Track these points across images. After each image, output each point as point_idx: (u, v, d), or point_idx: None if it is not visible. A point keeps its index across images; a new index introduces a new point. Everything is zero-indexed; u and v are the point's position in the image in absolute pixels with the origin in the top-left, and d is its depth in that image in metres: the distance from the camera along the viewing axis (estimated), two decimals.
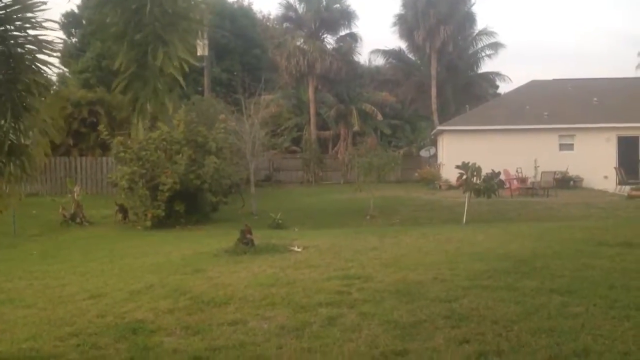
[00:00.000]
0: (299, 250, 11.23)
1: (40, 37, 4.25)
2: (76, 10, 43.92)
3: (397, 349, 5.13)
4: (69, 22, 44.12)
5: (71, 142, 30.91)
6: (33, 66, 4.33)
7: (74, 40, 44.73)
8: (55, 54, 4.51)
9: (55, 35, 4.52)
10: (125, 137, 18.70)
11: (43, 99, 4.42)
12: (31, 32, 4.22)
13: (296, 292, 7.40)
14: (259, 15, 50.97)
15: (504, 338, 5.28)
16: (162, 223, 17.85)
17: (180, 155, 18.13)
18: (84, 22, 43.42)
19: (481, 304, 6.42)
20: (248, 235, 11.42)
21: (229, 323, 6.22)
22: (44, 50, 4.25)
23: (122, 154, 18.40)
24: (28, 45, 4.27)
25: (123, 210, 18.91)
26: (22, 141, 4.49)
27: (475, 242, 11.42)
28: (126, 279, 9.20)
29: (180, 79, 4.13)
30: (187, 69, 4.26)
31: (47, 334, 6.24)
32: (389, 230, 14.84)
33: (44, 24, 4.34)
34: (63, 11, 44.95)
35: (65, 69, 45.70)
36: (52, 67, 4.56)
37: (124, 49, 4.17)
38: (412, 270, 8.51)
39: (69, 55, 44.55)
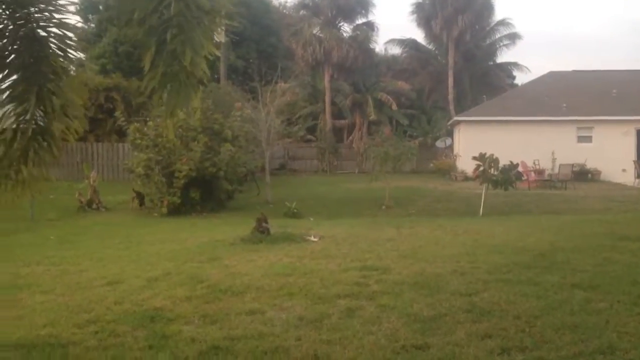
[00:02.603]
0: (315, 240, 11.18)
1: (63, 20, 4.20)
2: None
3: (418, 343, 5.06)
4: (86, 7, 44.22)
5: (88, 127, 31.02)
6: (57, 49, 4.28)
7: (91, 25, 44.84)
8: (76, 38, 4.46)
9: (75, 19, 4.48)
10: (141, 124, 18.68)
11: (66, 81, 4.37)
12: (55, 15, 4.17)
13: (314, 282, 7.35)
14: (275, 3, 50.81)
15: (527, 334, 5.19)
16: (177, 210, 17.86)
17: (196, 142, 18.09)
18: (100, 7, 43.55)
19: (502, 298, 6.33)
20: (264, 224, 11.38)
21: (247, 312, 6.18)
22: (68, 33, 4.19)
23: (139, 141, 18.40)
24: (52, 28, 4.21)
25: (140, 196, 18.97)
26: (50, 125, 4.43)
27: (494, 235, 11.31)
28: (143, 266, 9.20)
29: (207, 71, 4.06)
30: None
31: (65, 320, 6.23)
32: (405, 221, 14.73)
33: (67, 7, 4.30)
34: None
35: (83, 54, 45.92)
36: (75, 51, 4.51)
37: (152, 48, 4.08)
38: (431, 262, 8.43)
39: (86, 41, 44.73)
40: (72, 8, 4.44)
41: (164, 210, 17.78)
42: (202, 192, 18.34)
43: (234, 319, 5.98)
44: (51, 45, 4.16)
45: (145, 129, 18.61)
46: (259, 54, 41.98)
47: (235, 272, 8.32)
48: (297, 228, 13.06)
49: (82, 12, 44.63)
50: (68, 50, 4.24)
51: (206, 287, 7.38)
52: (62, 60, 4.21)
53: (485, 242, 10.35)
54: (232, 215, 17.59)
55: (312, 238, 11.27)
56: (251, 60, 39.23)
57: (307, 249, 10.13)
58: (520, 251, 9.16)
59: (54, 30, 4.16)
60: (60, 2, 4.22)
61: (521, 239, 10.57)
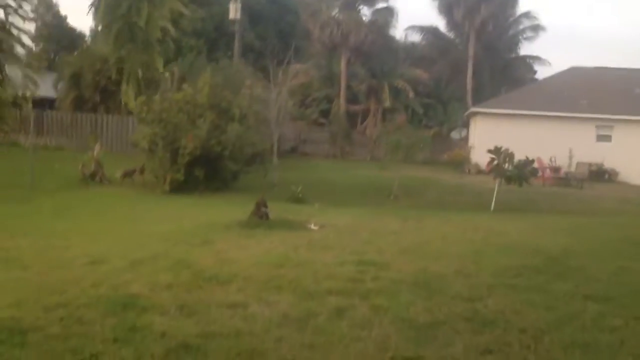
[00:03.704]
0: (315, 228, 10.67)
1: None
2: None
3: (410, 354, 4.53)
4: None
5: (98, 98, 30.66)
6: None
7: None
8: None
9: None
10: (147, 97, 18.22)
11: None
12: None
13: (305, 275, 6.84)
14: None
15: (532, 351, 4.64)
16: (180, 188, 17.44)
17: (203, 119, 17.60)
18: None
19: (508, 306, 5.78)
20: (263, 208, 10.88)
21: (228, 305, 5.68)
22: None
23: (144, 115, 17.94)
24: None
25: (134, 171, 18.79)
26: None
27: (504, 233, 10.72)
28: (132, 246, 8.76)
29: (172, 29, 3.52)
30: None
31: (34, 301, 5.78)
32: (412, 213, 14.18)
33: None
34: None
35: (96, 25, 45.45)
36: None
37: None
38: (434, 260, 7.88)
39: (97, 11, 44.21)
40: None
41: (167, 187, 17.37)
42: (206, 171, 17.88)
43: (213, 312, 5.49)
44: None
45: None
46: (278, 33, 41.32)
47: (226, 258, 7.83)
48: (299, 214, 12.58)
49: None
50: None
51: (191, 273, 6.90)
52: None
53: (494, 241, 9.77)
54: (236, 196, 17.09)
55: (312, 226, 10.76)
56: (267, 40, 38.59)
57: (305, 237, 9.61)
58: (531, 253, 8.58)
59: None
60: None
61: (533, 239, 9.99)
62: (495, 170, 16.97)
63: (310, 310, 5.56)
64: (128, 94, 17.79)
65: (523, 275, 7.09)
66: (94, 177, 19.00)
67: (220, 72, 20.79)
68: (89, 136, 22.29)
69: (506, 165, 16.66)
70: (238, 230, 10.20)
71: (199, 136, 17.23)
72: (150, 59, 27.55)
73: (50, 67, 39.65)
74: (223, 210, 13.35)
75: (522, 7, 40.39)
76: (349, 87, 37.94)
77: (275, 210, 11.97)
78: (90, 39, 46.42)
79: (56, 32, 49.78)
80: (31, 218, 11.80)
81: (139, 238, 9.50)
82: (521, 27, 40.27)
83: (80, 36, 49.62)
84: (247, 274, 6.89)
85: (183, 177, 17.37)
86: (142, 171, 18.58)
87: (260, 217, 10.76)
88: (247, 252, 8.31)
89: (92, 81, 30.12)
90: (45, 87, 36.90)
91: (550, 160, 25.88)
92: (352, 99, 38.77)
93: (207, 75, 18.33)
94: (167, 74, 19.03)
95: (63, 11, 51.85)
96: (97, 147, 19.50)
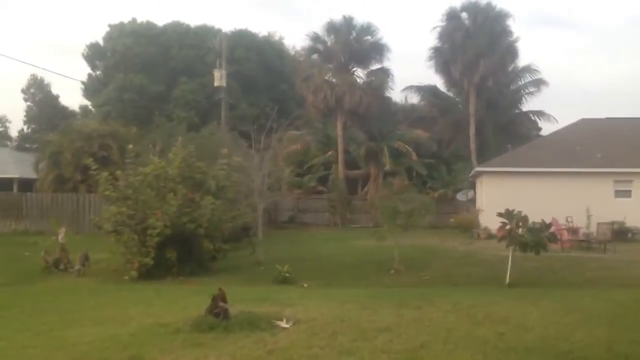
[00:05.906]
0: (287, 326, 8.46)
1: None
2: (101, 42, 42.77)
3: None
4: (93, 53, 42.91)
5: (79, 177, 28.92)
6: None
7: (97, 72, 43.43)
8: None
9: None
10: (111, 173, 16.35)
11: None
12: None
13: None
14: (292, 52, 49.18)
15: None
16: (151, 273, 15.32)
17: (173, 194, 15.63)
18: (108, 54, 42.17)
19: None
20: (220, 304, 8.68)
21: None
22: None
23: (108, 192, 16.01)
24: None
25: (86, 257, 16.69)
26: None
27: (526, 325, 8.41)
28: None
29: None
30: None
31: None
32: (412, 295, 11.92)
33: None
34: (87, 42, 43.92)
35: (88, 102, 44.55)
36: None
37: None
38: None
39: (92, 88, 43.31)
40: None
41: (134, 273, 15.23)
42: (180, 252, 15.77)
43: None
44: None
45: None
46: (270, 101, 40.14)
47: None
48: (273, 303, 10.43)
49: (89, 58, 43.38)
50: None
51: None
52: None
53: (513, 339, 7.47)
54: (212, 280, 14.81)
55: (283, 324, 8.54)
56: (259, 107, 37.22)
57: (266, 344, 7.39)
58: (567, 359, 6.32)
59: None
60: None
61: (564, 333, 7.70)
62: (507, 236, 14.76)
63: None
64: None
65: None
66: (58, 265, 16.91)
67: (196, 140, 18.98)
68: (52, 220, 20.27)
69: (520, 230, 14.48)
70: (185, 336, 7.97)
71: (169, 213, 15.23)
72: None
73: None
74: (186, 303, 11.12)
75: (522, 60, 38.37)
76: (347, 152, 36.21)
77: (251, 296, 9.87)
78: (81, 117, 45.56)
79: (47, 112, 48.95)
80: None
81: (51, 354, 7.31)
82: (522, 81, 38.72)
83: (72, 114, 48.71)
84: None
85: (152, 261, 15.25)
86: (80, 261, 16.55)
87: (217, 316, 8.54)
88: None
89: (72, 159, 28.54)
90: (27, 168, 35.42)
91: (567, 220, 23.64)
92: (351, 163, 36.97)
93: (178, 145, 16.49)
94: (130, 146, 17.17)
95: (55, 90, 51.00)
96: (61, 232, 17.48)
